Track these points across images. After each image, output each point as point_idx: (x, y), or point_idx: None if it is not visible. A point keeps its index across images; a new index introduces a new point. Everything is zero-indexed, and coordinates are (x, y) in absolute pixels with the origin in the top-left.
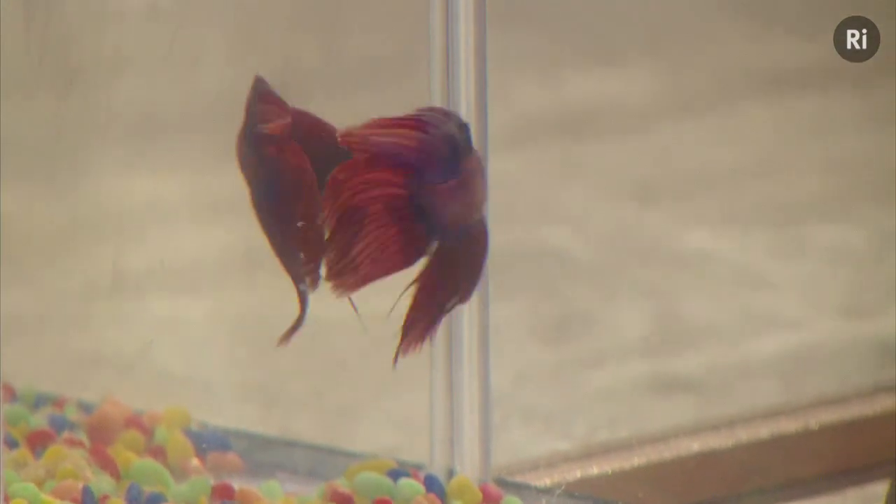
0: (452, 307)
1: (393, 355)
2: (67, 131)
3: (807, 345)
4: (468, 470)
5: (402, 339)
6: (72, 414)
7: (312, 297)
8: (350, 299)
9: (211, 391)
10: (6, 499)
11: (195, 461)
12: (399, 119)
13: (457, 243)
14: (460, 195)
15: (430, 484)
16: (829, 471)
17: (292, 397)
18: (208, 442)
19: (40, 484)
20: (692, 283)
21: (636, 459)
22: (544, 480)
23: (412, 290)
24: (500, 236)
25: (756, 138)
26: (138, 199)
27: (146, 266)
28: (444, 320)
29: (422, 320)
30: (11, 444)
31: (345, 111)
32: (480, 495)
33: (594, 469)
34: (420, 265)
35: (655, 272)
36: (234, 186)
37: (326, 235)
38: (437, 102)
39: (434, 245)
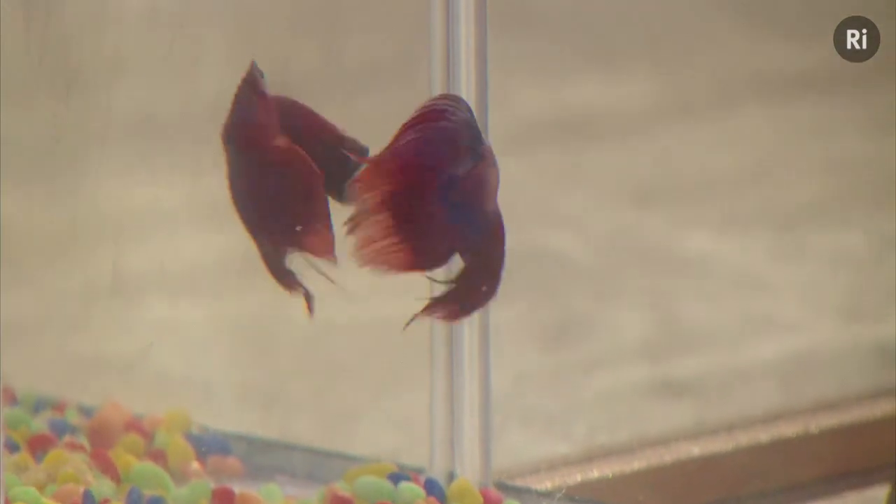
0: (486, 298)
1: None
2: (67, 134)
3: (806, 348)
4: (468, 473)
5: (439, 305)
6: (72, 417)
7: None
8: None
9: (211, 394)
10: (7, 503)
11: (195, 465)
12: (417, 115)
13: (486, 229)
14: (485, 180)
15: (431, 487)
16: (829, 474)
17: (292, 400)
18: (208, 445)
19: (41, 488)
20: (692, 287)
21: (636, 463)
22: (545, 484)
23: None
24: None
25: (756, 142)
26: (138, 202)
27: (146, 269)
28: (445, 323)
29: (466, 300)
30: (12, 447)
31: (345, 114)
32: (481, 499)
33: (594, 472)
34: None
35: (655, 275)
36: None
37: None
38: None
39: (468, 234)
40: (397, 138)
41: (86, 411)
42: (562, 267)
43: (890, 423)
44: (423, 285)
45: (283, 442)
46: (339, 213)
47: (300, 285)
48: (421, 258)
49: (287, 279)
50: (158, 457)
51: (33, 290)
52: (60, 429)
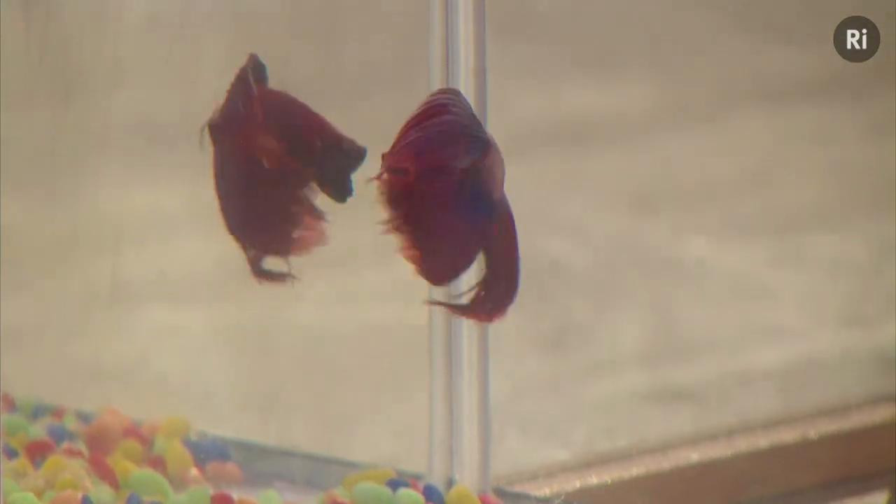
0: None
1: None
2: (66, 141)
3: (806, 355)
4: (467, 480)
5: (480, 301)
6: (71, 424)
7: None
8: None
9: (209, 400)
10: None
11: (194, 471)
12: (422, 111)
13: (501, 219)
14: (496, 168)
15: (430, 494)
16: (828, 480)
17: (291, 406)
18: (207, 451)
19: (40, 494)
20: (691, 293)
21: (635, 469)
22: (543, 490)
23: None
24: None
25: (755, 148)
26: (137, 209)
27: (145, 275)
28: (444, 330)
29: (501, 289)
30: (11, 454)
31: (344, 117)
32: None
33: (593, 479)
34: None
35: (654, 282)
36: None
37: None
38: None
39: (488, 226)
40: (403, 135)
41: (84, 417)
42: (561, 273)
43: (889, 430)
44: (422, 291)
45: (282, 448)
46: (339, 211)
47: (275, 278)
48: (451, 263)
49: (262, 274)
50: (157, 463)
51: (32, 296)
52: (59, 435)
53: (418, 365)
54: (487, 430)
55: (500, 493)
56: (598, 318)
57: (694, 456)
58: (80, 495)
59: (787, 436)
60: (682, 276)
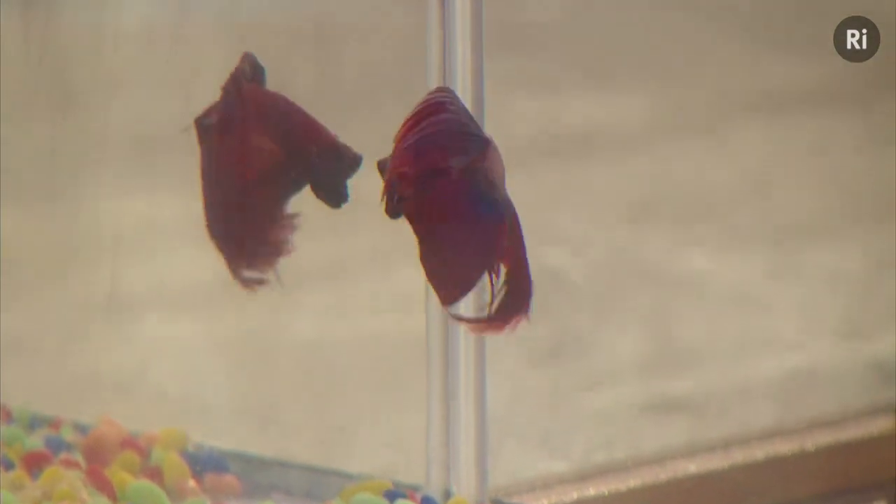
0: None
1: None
2: (65, 151)
3: (804, 366)
4: (464, 491)
5: (503, 308)
6: (68, 435)
7: (312, 321)
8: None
9: (207, 412)
10: None
11: (191, 482)
12: (419, 110)
13: (510, 213)
14: (496, 164)
15: None
16: (826, 492)
17: (289, 418)
18: (204, 463)
19: None
20: (689, 305)
21: (632, 481)
22: (541, 502)
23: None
24: None
25: (753, 160)
26: (135, 220)
27: (143, 286)
28: (441, 341)
29: (521, 289)
30: (8, 465)
31: (341, 130)
32: None
33: (591, 490)
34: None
35: (652, 294)
36: None
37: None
38: None
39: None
40: (402, 138)
41: (81, 428)
42: (558, 284)
43: (887, 441)
44: (419, 302)
45: (280, 459)
46: (336, 216)
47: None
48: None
49: (243, 279)
50: (154, 474)
51: (30, 307)
52: (56, 446)
53: (416, 376)
54: (485, 441)
55: None
56: (595, 330)
57: (691, 467)
58: None
59: (785, 447)
60: (680, 288)
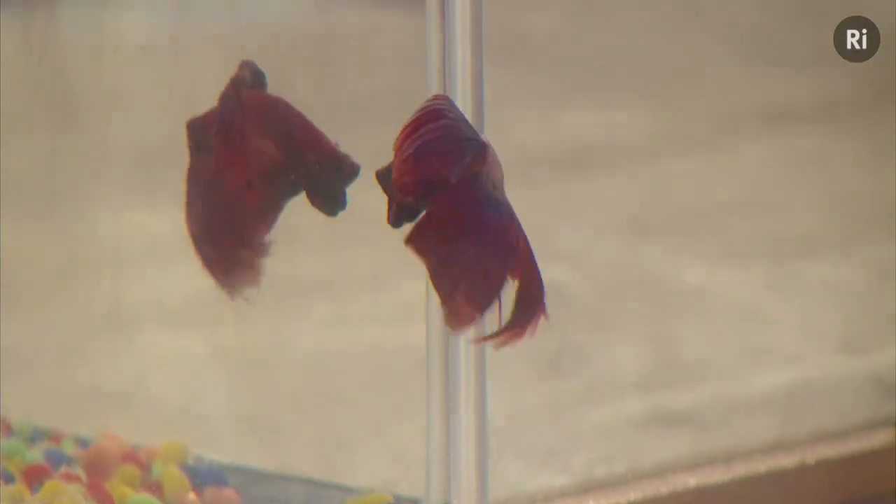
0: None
1: (496, 335)
2: (65, 166)
3: (804, 379)
4: None
5: (519, 315)
6: (68, 448)
7: (312, 333)
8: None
9: (207, 425)
10: None
11: (192, 496)
12: (417, 118)
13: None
14: (495, 168)
15: None
16: None
17: (289, 431)
18: (205, 476)
19: None
20: (690, 318)
21: (633, 494)
22: None
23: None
24: None
25: (753, 173)
26: (135, 234)
27: (143, 300)
28: (441, 353)
29: (535, 291)
30: (8, 478)
31: (340, 142)
32: None
33: None
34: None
35: (653, 307)
36: None
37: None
38: None
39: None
40: (401, 147)
41: (82, 442)
42: (559, 298)
43: (887, 454)
44: (419, 313)
45: (280, 473)
46: (336, 229)
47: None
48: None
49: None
50: (155, 488)
51: (30, 320)
52: (56, 460)
53: (416, 389)
54: (485, 454)
55: None
56: (596, 343)
57: (691, 481)
58: None
59: (785, 461)
60: (680, 301)
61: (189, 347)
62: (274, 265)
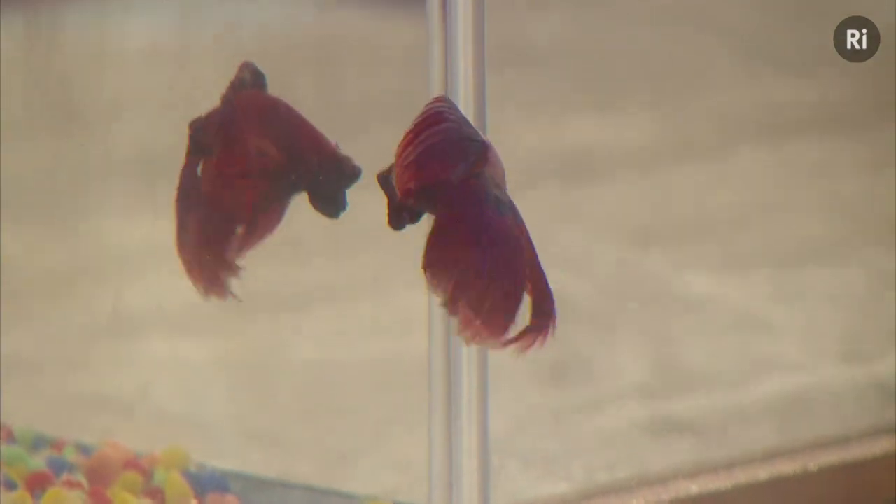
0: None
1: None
2: (67, 173)
3: (806, 387)
4: None
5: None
6: (70, 456)
7: (314, 342)
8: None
9: (209, 432)
10: None
11: (193, 503)
12: (420, 122)
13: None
14: (497, 168)
15: None
16: None
17: (291, 439)
18: (206, 483)
19: None
20: (692, 327)
21: (635, 502)
22: None
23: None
24: None
25: (756, 182)
26: (138, 241)
27: (146, 307)
28: (443, 362)
29: (546, 294)
30: (10, 485)
31: (342, 147)
32: None
33: None
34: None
35: (655, 315)
36: None
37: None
38: None
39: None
40: (403, 151)
41: (84, 449)
42: (561, 307)
43: (889, 462)
44: (421, 321)
45: (282, 480)
46: (337, 238)
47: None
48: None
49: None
50: (157, 495)
51: (33, 328)
52: (59, 467)
53: (418, 397)
54: (487, 462)
55: None
56: (598, 351)
57: (693, 488)
58: None
59: (787, 468)
60: (682, 309)
61: (191, 355)
62: (276, 273)
